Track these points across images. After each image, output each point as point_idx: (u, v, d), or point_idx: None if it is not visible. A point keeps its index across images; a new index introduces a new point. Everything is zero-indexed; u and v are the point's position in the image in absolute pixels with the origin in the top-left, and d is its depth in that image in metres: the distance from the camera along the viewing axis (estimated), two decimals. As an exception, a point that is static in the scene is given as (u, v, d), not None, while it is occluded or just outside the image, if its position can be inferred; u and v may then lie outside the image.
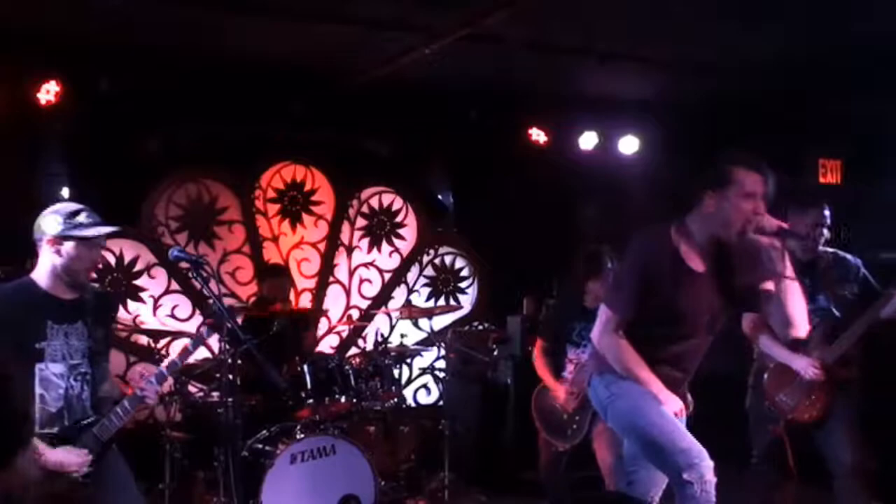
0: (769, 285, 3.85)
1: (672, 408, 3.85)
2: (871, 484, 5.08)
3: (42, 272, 3.81)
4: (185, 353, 4.03)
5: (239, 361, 5.25)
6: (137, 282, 7.34)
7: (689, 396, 4.23)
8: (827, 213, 5.24)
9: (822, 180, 7.78)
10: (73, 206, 3.86)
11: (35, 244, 3.81)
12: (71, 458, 3.71)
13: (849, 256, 5.27)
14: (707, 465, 3.69)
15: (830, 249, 5.30)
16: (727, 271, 3.89)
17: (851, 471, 4.95)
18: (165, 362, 4.05)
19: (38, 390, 3.71)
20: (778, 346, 5.05)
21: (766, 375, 5.18)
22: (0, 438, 1.62)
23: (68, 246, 3.77)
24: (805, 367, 4.97)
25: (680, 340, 3.93)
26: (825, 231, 5.23)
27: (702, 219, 3.83)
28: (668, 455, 3.74)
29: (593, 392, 4.16)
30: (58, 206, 3.86)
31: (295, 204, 8.08)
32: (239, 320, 5.85)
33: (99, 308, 3.93)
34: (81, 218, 3.81)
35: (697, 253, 3.85)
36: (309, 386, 5.90)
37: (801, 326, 3.97)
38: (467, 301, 8.70)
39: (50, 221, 3.77)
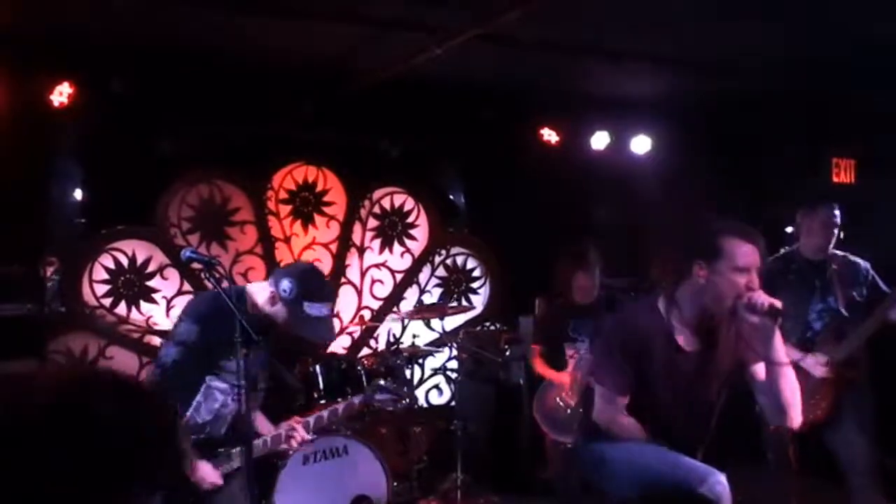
0: (759, 370, 3.64)
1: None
2: (886, 483, 5.09)
3: (260, 298, 3.96)
4: (340, 409, 4.15)
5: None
6: (150, 283, 7.35)
7: None
8: (837, 213, 5.25)
9: (835, 179, 7.76)
10: (315, 285, 3.99)
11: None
12: (210, 473, 3.83)
13: (858, 259, 5.32)
14: (717, 478, 3.58)
15: (840, 252, 5.31)
16: (716, 350, 3.69)
17: (866, 470, 4.95)
18: (313, 417, 4.25)
19: (198, 398, 3.87)
20: (786, 344, 5.06)
21: None
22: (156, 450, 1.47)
23: (282, 312, 3.92)
24: (813, 365, 5.03)
25: (677, 421, 3.76)
26: (835, 231, 5.23)
27: (689, 292, 3.61)
28: (677, 480, 3.60)
29: (582, 461, 4.04)
30: (303, 271, 4.06)
31: (307, 205, 8.08)
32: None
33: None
34: (307, 305, 3.91)
35: (687, 328, 3.67)
36: (321, 386, 5.92)
37: (796, 415, 3.64)
38: (479, 301, 8.69)
39: (285, 283, 3.90)
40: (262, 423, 4.22)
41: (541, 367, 6.05)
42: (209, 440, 3.96)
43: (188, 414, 3.87)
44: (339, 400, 5.87)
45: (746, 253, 3.50)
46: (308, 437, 4.24)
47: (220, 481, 3.90)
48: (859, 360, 5.10)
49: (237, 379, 3.80)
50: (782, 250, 5.51)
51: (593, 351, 4.02)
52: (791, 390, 3.59)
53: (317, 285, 3.96)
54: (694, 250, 3.58)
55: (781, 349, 3.56)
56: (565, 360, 5.92)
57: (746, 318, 3.51)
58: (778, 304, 3.45)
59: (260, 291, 3.97)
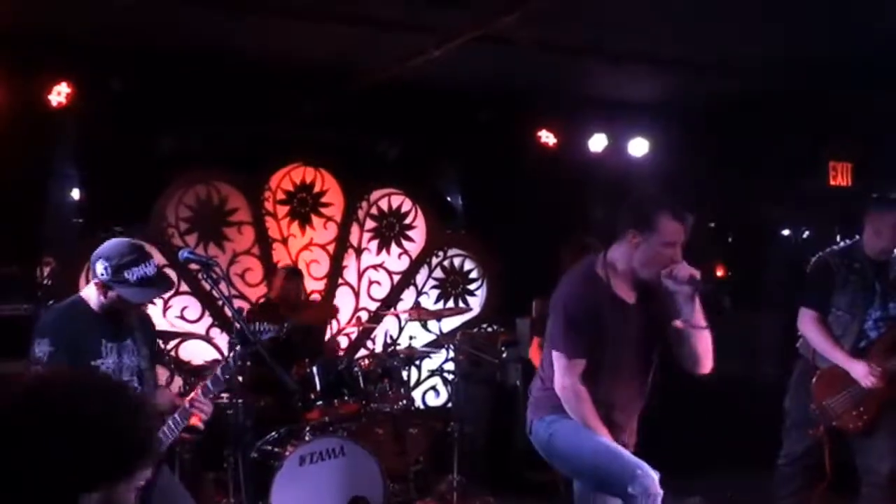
0: (679, 324, 3.87)
1: None
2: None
3: (92, 296, 3.87)
4: (225, 366, 4.07)
5: (248, 363, 5.27)
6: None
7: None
8: None
9: (832, 182, 7.78)
10: (123, 253, 3.84)
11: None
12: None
13: None
14: (651, 476, 3.69)
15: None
16: (652, 303, 3.95)
17: (885, 481, 4.82)
18: (209, 377, 4.11)
19: None
20: (837, 349, 4.92)
21: (815, 378, 5.01)
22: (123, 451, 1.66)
23: (112, 293, 3.81)
24: (865, 374, 4.82)
25: (620, 378, 3.95)
26: None
27: (623, 253, 3.91)
28: (611, 473, 3.76)
29: (534, 437, 4.13)
30: (109, 248, 3.86)
31: (304, 205, 8.08)
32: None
33: (144, 326, 4.01)
34: (127, 274, 3.80)
35: (625, 284, 3.94)
36: (318, 388, 5.92)
37: (708, 363, 3.97)
38: (476, 303, 8.70)
39: (98, 266, 3.79)
40: (166, 399, 4.14)
41: (537, 356, 6.02)
42: None
43: None
44: (336, 402, 5.89)
45: (675, 230, 3.79)
46: (207, 402, 4.06)
47: (146, 476, 3.84)
48: None
49: (121, 375, 3.82)
50: (842, 243, 5.18)
51: (547, 322, 4.13)
52: (705, 346, 3.94)
53: (124, 251, 3.85)
54: (631, 220, 3.88)
55: (700, 316, 3.84)
56: None
57: (670, 286, 3.81)
58: (697, 275, 3.74)
59: (90, 290, 3.91)
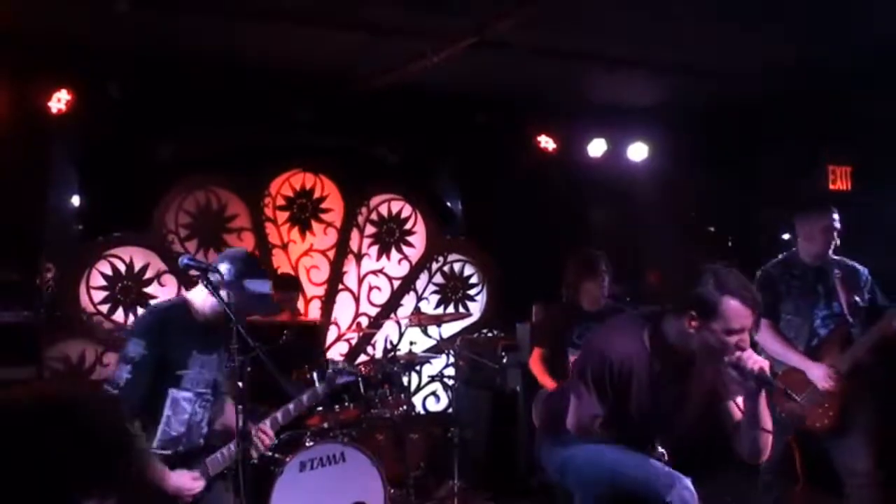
0: (734, 409, 3.67)
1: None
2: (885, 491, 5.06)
3: (198, 300, 3.99)
4: (304, 399, 4.37)
5: (249, 369, 5.26)
6: (148, 289, 7.36)
7: None
8: (836, 217, 5.20)
9: (831, 187, 7.77)
10: (249, 263, 4.07)
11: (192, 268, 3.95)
12: (188, 482, 3.89)
13: (857, 265, 5.26)
14: (684, 483, 3.63)
15: (838, 257, 5.26)
16: (688, 383, 3.73)
17: (866, 479, 4.91)
18: (280, 412, 4.35)
19: (166, 412, 3.87)
20: (792, 351, 5.08)
21: (777, 380, 5.14)
22: (111, 459, 1.72)
23: (222, 297, 3.87)
24: (822, 376, 4.96)
25: (653, 440, 3.84)
26: (835, 236, 5.17)
27: (678, 332, 3.60)
28: (645, 483, 3.65)
29: (547, 457, 4.06)
30: (238, 254, 4.14)
31: (304, 211, 8.09)
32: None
33: (233, 342, 3.97)
34: (247, 283, 3.97)
35: (668, 355, 3.67)
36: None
37: (764, 456, 3.73)
38: (476, 308, 8.70)
39: (222, 266, 3.95)
40: (231, 420, 4.19)
41: (539, 373, 6.02)
42: (188, 451, 3.97)
43: (160, 428, 3.88)
44: (336, 407, 5.90)
45: (743, 316, 3.46)
46: (271, 434, 4.29)
47: (199, 488, 3.92)
48: (866, 369, 5.02)
49: (198, 387, 3.93)
50: (780, 255, 5.43)
51: (577, 362, 3.99)
52: (765, 442, 3.63)
53: (253, 263, 4.08)
54: (691, 301, 3.52)
55: (767, 418, 3.59)
56: (567, 367, 5.88)
57: (734, 377, 3.55)
58: (766, 368, 3.45)
59: (197, 294, 4.01)
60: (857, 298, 5.16)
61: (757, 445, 3.62)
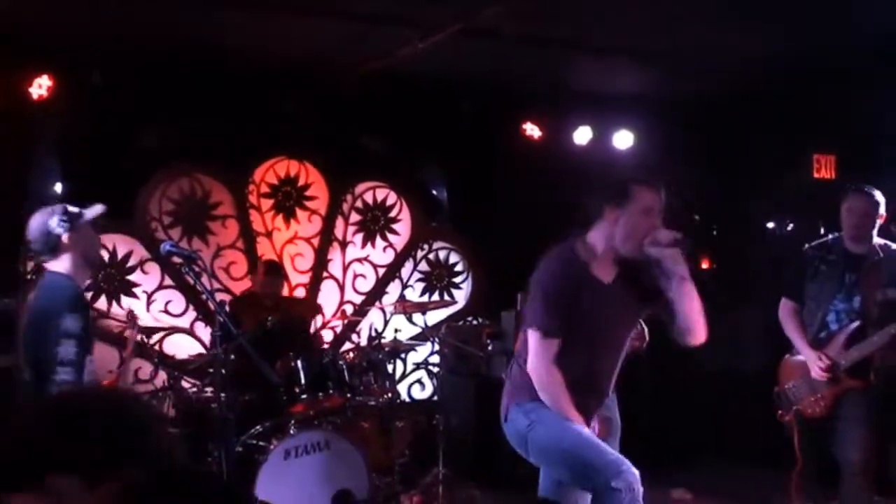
0: (669, 298, 3.93)
1: None
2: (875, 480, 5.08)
3: (70, 266, 3.93)
4: None
5: (232, 357, 5.26)
6: (131, 277, 7.32)
7: (613, 418, 4.29)
8: (870, 199, 5.02)
9: (816, 175, 7.79)
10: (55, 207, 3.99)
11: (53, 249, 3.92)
12: None
13: None
14: (633, 473, 3.71)
15: (882, 242, 5.07)
16: (631, 281, 4.00)
17: (858, 470, 4.90)
18: None
19: (86, 378, 3.83)
20: (799, 335, 5.10)
21: (782, 362, 5.23)
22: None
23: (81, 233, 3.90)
24: (812, 362, 4.97)
25: (593, 359, 3.97)
26: (865, 219, 5.00)
27: (602, 233, 3.98)
28: (595, 468, 3.74)
29: (511, 425, 4.13)
30: (44, 212, 3.98)
31: (288, 199, 8.05)
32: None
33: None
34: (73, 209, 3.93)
35: (603, 264, 3.97)
36: (303, 381, 5.90)
37: (700, 332, 3.97)
38: (461, 296, 8.69)
39: (54, 223, 3.89)
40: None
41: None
42: None
43: None
44: (321, 395, 5.88)
45: (652, 198, 3.92)
46: None
47: None
48: (867, 366, 4.93)
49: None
50: (830, 236, 5.24)
51: (525, 309, 4.19)
52: (694, 308, 3.93)
53: (48, 207, 4.04)
54: (608, 196, 3.98)
55: (685, 270, 3.89)
56: None
57: (654, 254, 3.89)
58: (679, 235, 3.84)
59: (65, 259, 3.97)
60: (890, 291, 4.98)
61: (689, 318, 3.92)
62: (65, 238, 3.89)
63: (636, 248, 3.89)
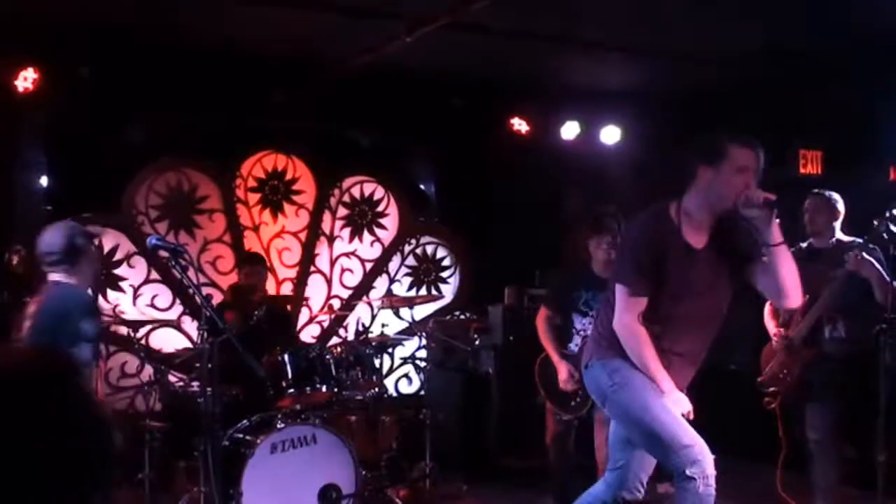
0: (761, 263, 3.86)
1: (680, 408, 3.83)
2: (851, 471, 5.26)
3: (81, 278, 4.26)
4: None
5: (219, 351, 5.24)
6: (117, 271, 7.31)
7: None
8: (809, 200, 5.41)
9: (802, 171, 7.81)
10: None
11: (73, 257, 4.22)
12: None
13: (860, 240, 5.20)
14: (709, 460, 3.72)
15: (847, 238, 5.32)
16: (726, 245, 3.95)
17: (819, 445, 5.20)
18: None
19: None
20: (771, 317, 5.41)
21: (762, 352, 5.47)
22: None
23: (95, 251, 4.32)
24: (772, 333, 5.34)
25: (688, 327, 3.93)
26: (816, 217, 5.34)
27: (697, 194, 3.90)
28: (673, 451, 3.73)
29: (592, 377, 4.08)
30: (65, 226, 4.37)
31: (276, 193, 8.04)
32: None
33: None
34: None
35: (697, 230, 3.91)
36: (290, 375, 5.88)
37: (795, 295, 3.93)
38: (449, 291, 8.70)
39: (80, 240, 4.29)
40: None
41: (544, 338, 5.76)
42: None
43: None
44: (308, 389, 5.88)
45: (746, 155, 3.82)
46: None
47: None
48: (819, 336, 5.23)
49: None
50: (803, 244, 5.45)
51: (615, 262, 4.21)
52: (789, 270, 3.86)
53: (73, 223, 4.52)
54: (700, 155, 3.90)
55: (778, 233, 3.82)
56: (572, 332, 5.70)
57: (746, 214, 3.79)
58: (772, 196, 3.74)
59: (84, 272, 4.31)
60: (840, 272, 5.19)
61: (783, 280, 3.83)
62: (87, 254, 4.23)
63: (729, 207, 3.81)
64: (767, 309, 5.44)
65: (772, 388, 5.33)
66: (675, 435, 3.75)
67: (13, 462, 1.36)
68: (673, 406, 3.81)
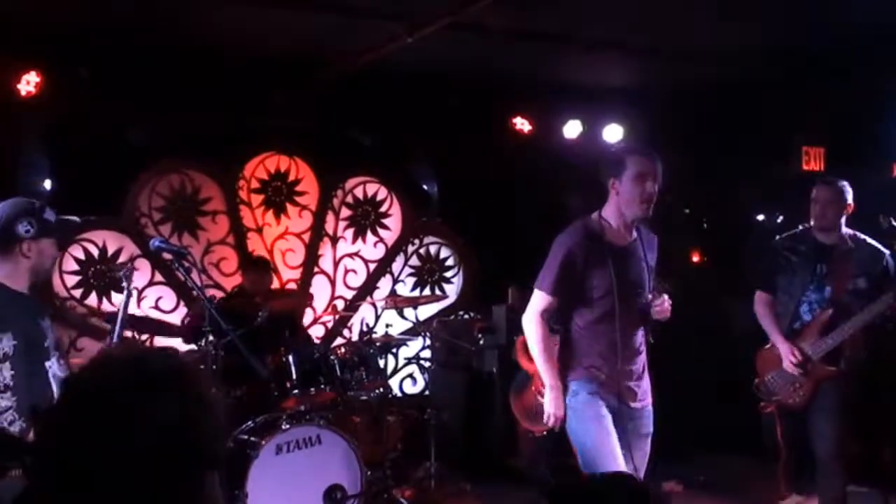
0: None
1: (550, 409, 4.14)
2: (856, 467, 5.17)
3: (8, 273, 3.57)
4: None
5: (223, 353, 5.26)
6: (120, 273, 7.30)
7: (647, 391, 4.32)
8: (835, 189, 5.11)
9: (805, 167, 7.81)
10: (21, 202, 3.64)
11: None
12: None
13: (879, 246, 5.12)
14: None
15: (861, 235, 5.15)
16: (644, 249, 4.29)
17: (828, 457, 5.03)
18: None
19: (55, 390, 3.47)
20: (775, 327, 5.16)
21: (756, 356, 5.29)
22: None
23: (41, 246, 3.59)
24: (786, 354, 5.04)
25: (621, 320, 4.13)
26: (830, 209, 5.08)
27: (610, 204, 4.23)
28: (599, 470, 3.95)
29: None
30: (15, 204, 3.62)
31: (279, 194, 8.04)
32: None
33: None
34: (48, 214, 3.64)
35: (618, 235, 4.22)
36: (294, 376, 5.89)
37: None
38: (452, 291, 8.70)
39: (20, 227, 3.53)
40: None
41: (521, 356, 5.94)
42: None
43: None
44: (312, 390, 5.88)
45: (643, 163, 4.13)
46: None
47: None
48: (839, 356, 5.02)
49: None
50: (800, 227, 5.31)
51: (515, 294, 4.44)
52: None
53: (27, 201, 3.65)
54: (606, 169, 4.24)
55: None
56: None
57: (655, 317, 4.20)
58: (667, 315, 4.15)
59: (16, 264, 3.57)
60: (861, 281, 5.05)
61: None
62: (25, 245, 3.53)
63: (639, 213, 4.13)
64: (762, 309, 5.25)
65: (775, 398, 5.17)
66: (604, 463, 3.93)
67: (144, 445, 1.49)
68: (549, 407, 4.14)
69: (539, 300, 4.21)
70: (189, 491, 1.55)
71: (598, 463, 3.95)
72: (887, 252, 5.09)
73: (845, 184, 5.14)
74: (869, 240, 5.14)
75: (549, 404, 4.16)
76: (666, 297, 4.19)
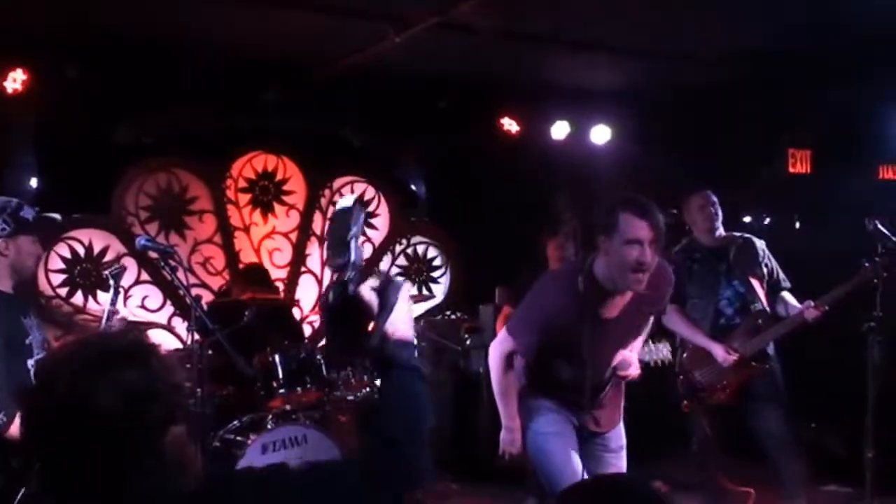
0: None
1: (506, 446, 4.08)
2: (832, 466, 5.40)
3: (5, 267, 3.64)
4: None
5: (209, 352, 5.25)
6: (107, 272, 7.27)
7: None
8: (710, 195, 5.62)
9: (791, 170, 7.84)
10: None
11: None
12: None
13: (753, 238, 5.60)
14: None
15: (737, 233, 5.65)
16: (637, 309, 3.94)
17: (784, 440, 5.30)
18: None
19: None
20: (698, 332, 5.40)
21: (684, 354, 5.51)
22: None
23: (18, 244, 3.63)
24: (723, 357, 5.27)
25: (584, 372, 3.96)
26: (714, 212, 5.55)
27: (600, 262, 3.75)
28: (551, 494, 3.97)
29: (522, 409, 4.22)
30: None
31: (266, 193, 8.03)
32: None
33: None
34: (25, 212, 3.67)
35: (607, 298, 3.80)
36: (280, 376, 5.89)
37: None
38: (440, 290, 8.71)
39: None
40: None
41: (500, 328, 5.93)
42: None
43: None
44: (299, 390, 5.88)
45: (638, 227, 3.58)
46: None
47: None
48: (765, 352, 5.39)
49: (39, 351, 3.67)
50: (683, 241, 5.71)
51: (519, 307, 4.18)
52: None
53: (2, 199, 3.72)
54: (598, 225, 3.74)
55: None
56: None
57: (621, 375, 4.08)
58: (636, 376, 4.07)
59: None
60: (757, 271, 5.48)
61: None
62: (1, 243, 3.57)
63: (630, 282, 3.65)
64: (678, 318, 5.35)
65: (702, 393, 5.39)
66: (559, 484, 3.82)
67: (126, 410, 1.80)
68: (504, 444, 4.08)
69: (508, 343, 3.95)
70: (157, 446, 1.84)
71: (560, 483, 3.84)
72: (760, 241, 5.59)
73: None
74: (744, 235, 5.65)
75: (504, 442, 4.08)
76: (636, 360, 4.06)
